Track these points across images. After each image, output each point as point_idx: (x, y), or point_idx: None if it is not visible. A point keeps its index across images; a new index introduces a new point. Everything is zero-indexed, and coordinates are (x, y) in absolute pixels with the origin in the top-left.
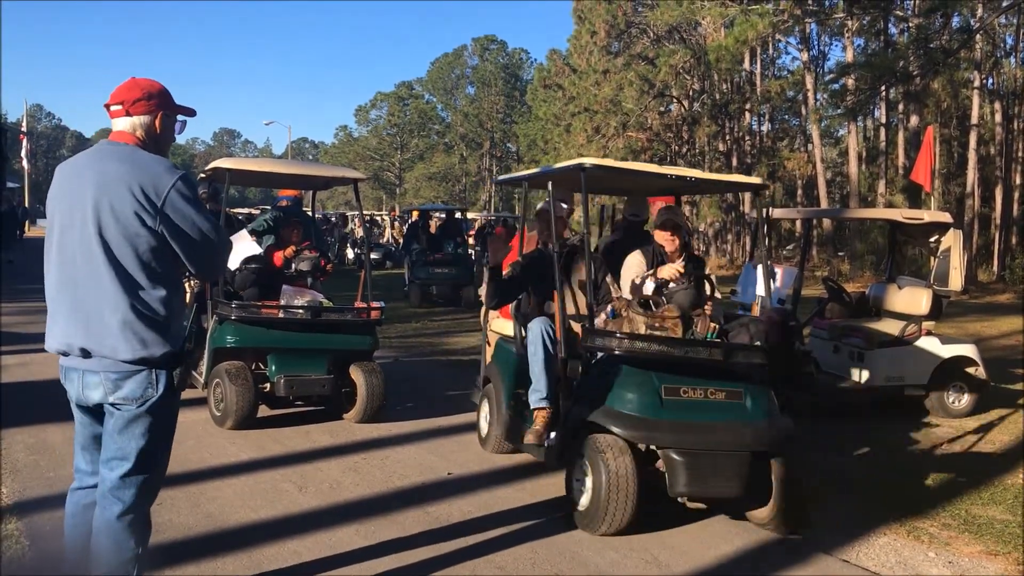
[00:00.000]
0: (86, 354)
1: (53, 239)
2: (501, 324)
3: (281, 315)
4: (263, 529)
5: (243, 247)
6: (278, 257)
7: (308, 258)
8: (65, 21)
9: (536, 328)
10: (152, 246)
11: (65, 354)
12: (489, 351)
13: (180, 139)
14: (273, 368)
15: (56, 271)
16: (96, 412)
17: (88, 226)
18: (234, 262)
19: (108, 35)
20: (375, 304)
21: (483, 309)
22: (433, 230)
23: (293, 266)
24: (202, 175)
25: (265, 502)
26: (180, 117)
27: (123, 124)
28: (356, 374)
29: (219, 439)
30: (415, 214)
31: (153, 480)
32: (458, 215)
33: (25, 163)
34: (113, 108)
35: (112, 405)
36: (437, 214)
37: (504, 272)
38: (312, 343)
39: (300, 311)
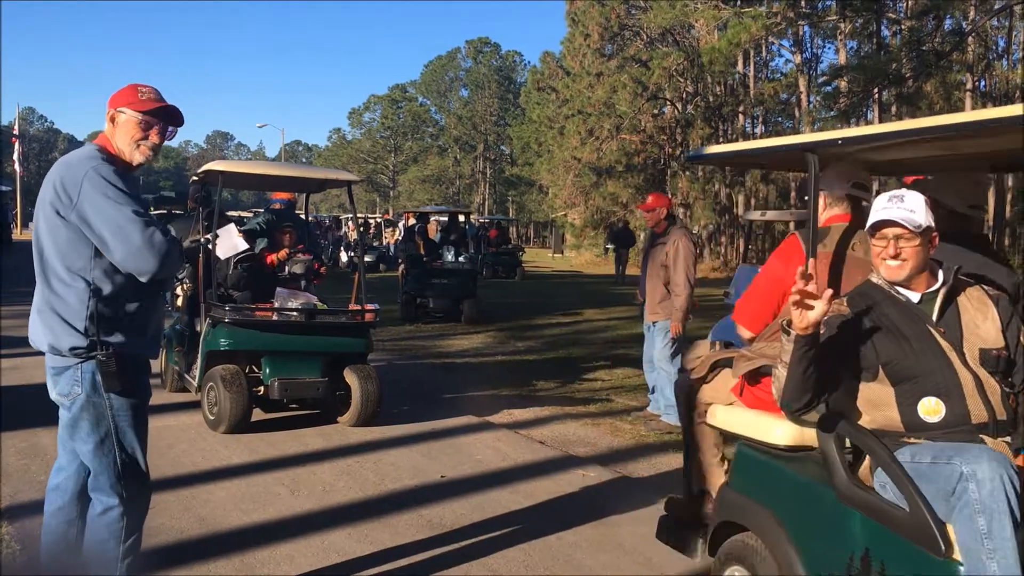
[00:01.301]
0: (33, 346)
1: None
2: (738, 416)
3: (275, 317)
4: (256, 532)
5: (229, 241)
6: (270, 258)
7: (301, 260)
8: (57, 23)
9: (993, 476)
10: (69, 238)
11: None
12: (712, 462)
13: (173, 142)
14: (267, 371)
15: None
16: None
17: (34, 223)
18: (222, 254)
19: (101, 38)
20: (369, 306)
21: (691, 375)
22: (432, 234)
23: (287, 268)
24: (194, 178)
25: (257, 505)
26: (143, 115)
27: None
28: (351, 377)
29: (211, 442)
30: (409, 217)
31: (119, 482)
32: (462, 218)
33: (17, 166)
34: None
35: (56, 403)
36: (436, 216)
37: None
38: (306, 346)
39: (294, 313)
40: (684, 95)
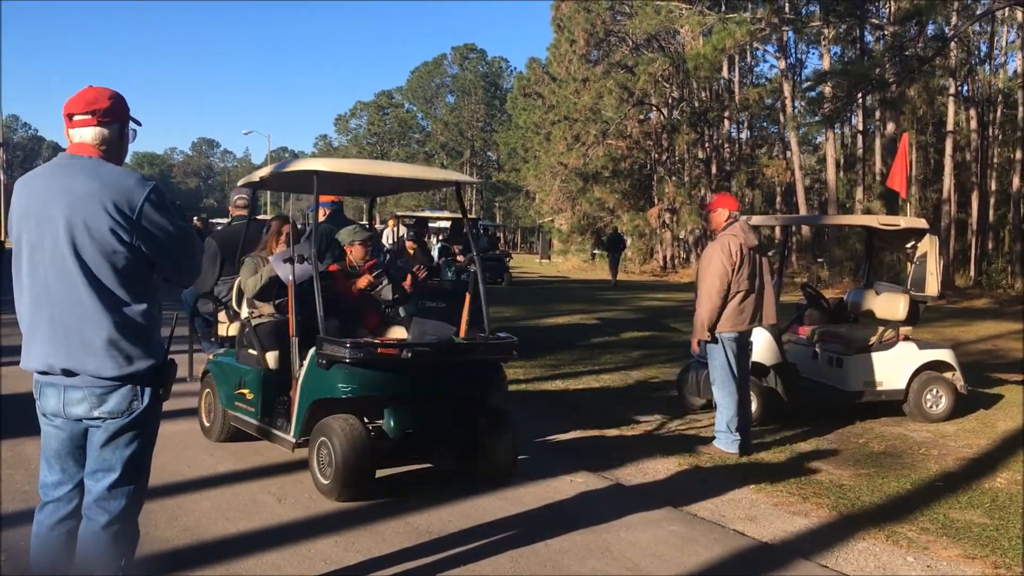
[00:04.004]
0: (69, 373)
1: (22, 259)
2: None
3: (407, 354)
4: (242, 542)
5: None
6: (354, 287)
7: (404, 267)
8: (40, 29)
9: None
10: (131, 261)
11: (45, 373)
12: None
13: (158, 149)
14: (391, 422)
15: (29, 292)
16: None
17: (61, 246)
18: (290, 278)
19: (83, 44)
20: (503, 335)
21: None
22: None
23: (374, 291)
24: (244, 182)
25: (244, 514)
26: (132, 126)
27: (88, 135)
28: (482, 424)
29: (196, 451)
30: (391, 223)
31: (140, 490)
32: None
33: (1, 174)
34: (79, 118)
35: (97, 419)
36: (433, 220)
37: None
38: (439, 388)
39: (428, 349)
40: (670, 101)
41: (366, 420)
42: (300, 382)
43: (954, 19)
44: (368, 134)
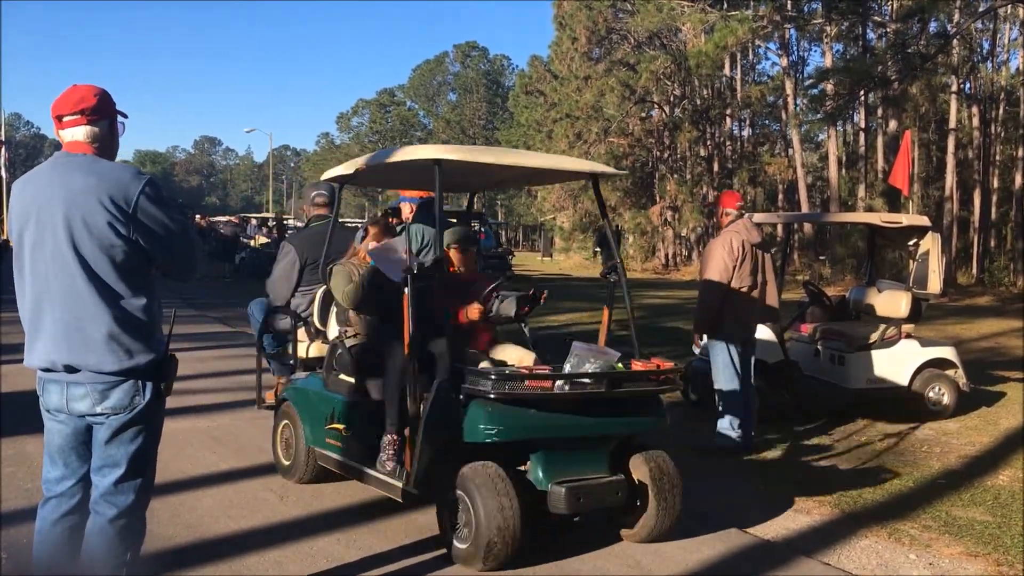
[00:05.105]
0: (71, 369)
1: (24, 257)
2: None
3: (566, 388)
4: (244, 539)
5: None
6: (463, 315)
7: (515, 294)
8: (40, 28)
9: None
10: (129, 255)
11: (48, 370)
12: None
13: (160, 147)
14: (541, 471)
15: (31, 290)
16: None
17: (61, 242)
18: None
19: (84, 43)
20: (664, 362)
21: None
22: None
23: (493, 310)
24: (331, 175)
25: (246, 512)
26: (120, 119)
27: (81, 133)
28: (640, 470)
29: (199, 449)
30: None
31: (147, 484)
32: (476, 224)
33: (3, 172)
34: (68, 118)
35: (99, 415)
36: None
37: None
38: (594, 427)
39: (590, 380)
40: (672, 98)
41: (506, 467)
42: (424, 420)
43: (956, 16)
44: (370, 132)
